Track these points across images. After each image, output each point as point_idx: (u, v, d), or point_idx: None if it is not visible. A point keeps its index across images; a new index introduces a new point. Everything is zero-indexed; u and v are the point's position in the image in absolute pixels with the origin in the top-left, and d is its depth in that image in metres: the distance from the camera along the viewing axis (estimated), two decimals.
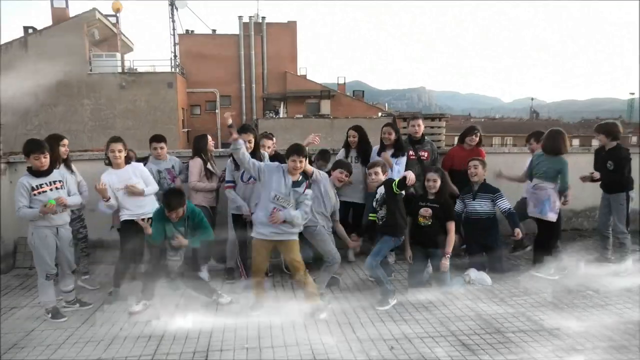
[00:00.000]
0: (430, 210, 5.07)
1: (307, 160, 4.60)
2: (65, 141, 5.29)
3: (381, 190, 4.85)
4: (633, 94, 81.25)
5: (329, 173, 5.22)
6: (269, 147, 5.47)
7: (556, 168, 5.37)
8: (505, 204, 5.42)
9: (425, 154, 6.02)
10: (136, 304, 4.64)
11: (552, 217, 5.40)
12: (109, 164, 5.01)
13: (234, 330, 4.20)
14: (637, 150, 6.97)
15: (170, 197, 4.57)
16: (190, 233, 4.70)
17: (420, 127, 6.08)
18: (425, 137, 6.21)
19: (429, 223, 5.06)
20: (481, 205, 5.48)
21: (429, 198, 5.14)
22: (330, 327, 4.22)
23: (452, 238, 5.02)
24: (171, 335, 4.13)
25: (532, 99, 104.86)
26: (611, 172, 5.54)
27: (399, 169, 5.61)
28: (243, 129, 5.18)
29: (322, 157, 5.86)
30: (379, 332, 4.12)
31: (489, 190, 5.50)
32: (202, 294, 4.86)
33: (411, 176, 4.60)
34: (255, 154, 5.11)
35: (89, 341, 4.06)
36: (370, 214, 5.01)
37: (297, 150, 4.42)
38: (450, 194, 5.80)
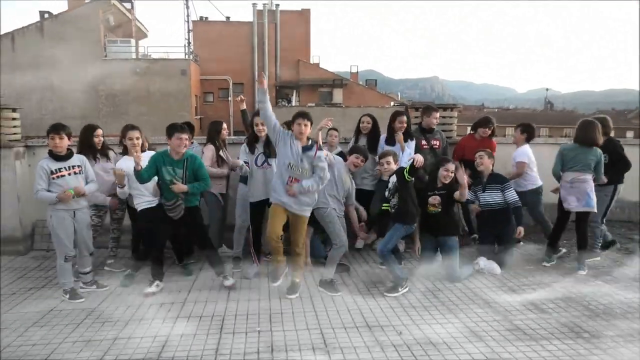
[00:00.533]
0: (438, 198, 5.12)
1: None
2: (99, 131, 5.39)
3: (393, 179, 4.91)
4: None
5: (344, 158, 5.29)
6: None
7: (594, 159, 5.27)
8: (513, 195, 5.43)
9: (437, 143, 6.11)
10: (149, 286, 4.75)
11: (595, 207, 5.34)
12: (124, 152, 5.10)
13: (246, 313, 4.31)
14: None
15: (180, 123, 4.84)
16: (189, 180, 4.73)
17: (436, 119, 6.20)
18: (435, 127, 6.25)
19: (439, 210, 5.11)
20: (492, 197, 5.48)
21: (438, 186, 5.18)
22: (340, 314, 4.30)
23: (464, 186, 4.94)
24: (185, 316, 4.26)
25: (547, 89, 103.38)
26: (607, 165, 5.55)
27: (409, 152, 5.66)
28: (258, 113, 5.25)
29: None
30: (387, 318, 4.20)
31: (498, 181, 5.51)
32: (213, 266, 4.97)
33: (419, 158, 4.65)
34: (270, 140, 5.15)
35: (106, 321, 4.19)
36: (384, 204, 5.08)
37: (302, 114, 4.55)
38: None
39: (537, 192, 5.90)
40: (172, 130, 4.69)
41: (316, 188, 4.53)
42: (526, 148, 5.93)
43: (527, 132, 5.95)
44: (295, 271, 4.74)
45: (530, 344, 3.72)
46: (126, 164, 4.96)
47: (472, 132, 6.41)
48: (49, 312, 4.39)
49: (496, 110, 78.39)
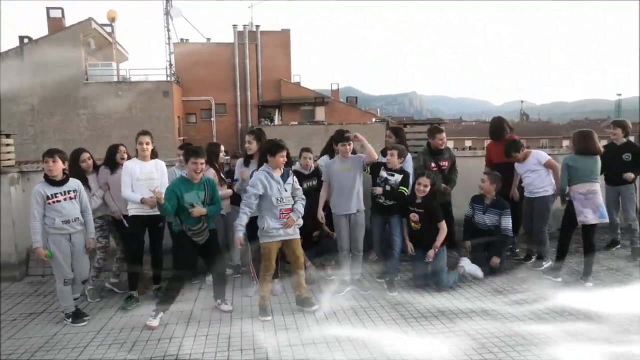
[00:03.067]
0: (417, 216, 5.35)
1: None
2: (85, 155, 5.37)
3: (398, 178, 5.26)
4: (620, 94, 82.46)
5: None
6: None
7: (599, 167, 5.31)
8: (509, 223, 5.63)
9: (445, 163, 6.11)
10: (153, 318, 4.57)
11: (607, 217, 5.37)
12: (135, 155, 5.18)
13: (251, 330, 4.38)
14: None
15: (196, 147, 4.78)
16: (209, 202, 4.74)
17: (445, 139, 6.13)
18: (443, 148, 6.22)
19: (418, 227, 5.36)
20: (490, 219, 5.74)
21: (416, 202, 5.39)
22: (343, 327, 4.41)
23: (442, 235, 5.30)
24: (191, 336, 4.30)
25: (522, 101, 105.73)
26: (628, 163, 5.94)
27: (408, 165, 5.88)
28: (250, 132, 5.46)
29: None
30: (389, 329, 4.31)
31: (498, 206, 5.72)
32: (216, 289, 4.98)
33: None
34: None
35: (112, 343, 4.21)
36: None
37: (281, 146, 4.67)
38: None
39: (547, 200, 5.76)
40: (187, 155, 4.72)
41: (302, 212, 4.78)
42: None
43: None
44: (301, 288, 4.87)
45: (530, 348, 3.87)
46: (133, 165, 5.05)
47: (494, 138, 6.45)
48: (53, 337, 4.40)
49: (474, 122, 79.92)
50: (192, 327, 4.49)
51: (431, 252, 5.22)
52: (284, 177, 4.70)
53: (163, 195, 4.48)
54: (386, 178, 5.31)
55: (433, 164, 6.05)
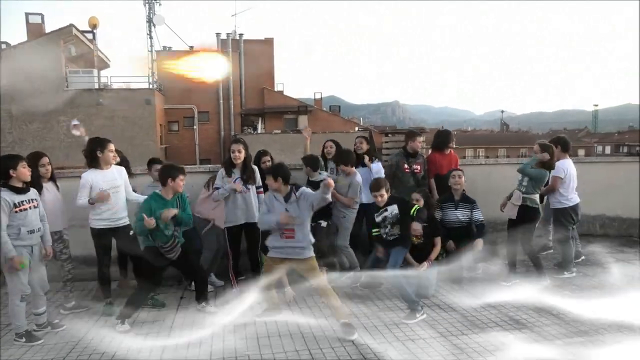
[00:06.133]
0: (419, 224, 5.33)
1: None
2: (45, 160, 5.10)
3: (393, 210, 5.10)
4: (597, 105, 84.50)
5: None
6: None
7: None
8: (480, 215, 5.82)
9: (418, 167, 6.28)
10: (122, 324, 4.61)
11: None
12: (93, 164, 4.99)
13: (233, 338, 4.36)
14: (637, 159, 7.92)
15: (172, 165, 4.92)
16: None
17: (420, 143, 6.38)
18: (419, 151, 6.46)
19: (421, 241, 5.42)
20: (463, 214, 5.83)
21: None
22: (326, 334, 4.42)
23: (437, 250, 5.44)
24: (172, 345, 4.28)
25: (502, 111, 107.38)
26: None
27: (377, 169, 5.99)
28: (235, 141, 5.54)
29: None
30: (370, 334, 4.35)
31: (468, 201, 5.89)
32: (198, 294, 5.02)
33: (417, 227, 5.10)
34: (246, 166, 5.36)
35: (92, 353, 4.17)
36: (374, 230, 5.28)
37: (269, 173, 4.62)
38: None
39: (562, 212, 5.91)
40: (171, 172, 4.73)
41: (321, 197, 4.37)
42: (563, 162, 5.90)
43: (560, 144, 5.95)
44: (338, 313, 4.51)
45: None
46: (94, 176, 4.92)
47: (438, 149, 6.64)
48: (30, 349, 4.32)
49: (455, 132, 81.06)
50: (173, 336, 4.46)
51: (426, 264, 5.28)
52: (287, 197, 4.52)
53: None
54: (384, 217, 5.14)
55: (406, 166, 6.18)
